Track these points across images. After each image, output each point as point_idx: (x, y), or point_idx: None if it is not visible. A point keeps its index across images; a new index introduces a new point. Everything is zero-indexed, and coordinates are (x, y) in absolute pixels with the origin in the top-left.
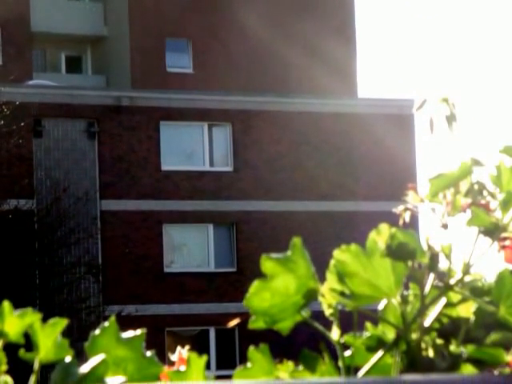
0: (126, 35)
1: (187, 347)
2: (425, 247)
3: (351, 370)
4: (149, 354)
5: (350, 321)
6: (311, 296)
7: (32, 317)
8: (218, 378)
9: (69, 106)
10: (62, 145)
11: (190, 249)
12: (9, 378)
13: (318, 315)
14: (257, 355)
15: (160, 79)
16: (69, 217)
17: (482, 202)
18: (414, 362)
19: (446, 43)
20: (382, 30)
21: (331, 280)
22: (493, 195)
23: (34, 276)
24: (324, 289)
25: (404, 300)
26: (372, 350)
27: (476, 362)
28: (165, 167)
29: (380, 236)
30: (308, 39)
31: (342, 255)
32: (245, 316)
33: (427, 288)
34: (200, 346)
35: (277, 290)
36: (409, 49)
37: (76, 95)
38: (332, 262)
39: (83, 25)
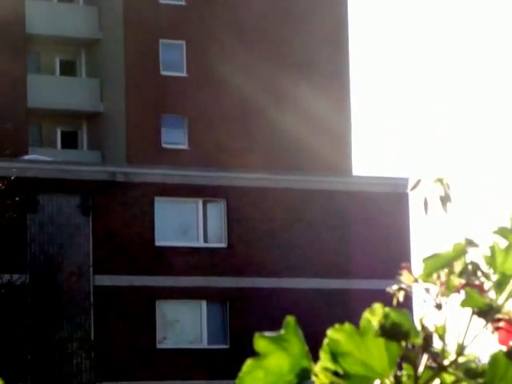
0: (122, 111)
1: None
2: (419, 328)
3: None
4: None
5: None
6: (304, 375)
7: None
8: None
9: (64, 181)
10: (57, 220)
11: (182, 325)
12: None
13: None
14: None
15: (155, 155)
16: (62, 292)
17: (476, 282)
18: None
19: (443, 120)
20: (378, 108)
21: (324, 359)
22: (487, 276)
23: (25, 351)
24: (317, 368)
25: (397, 381)
26: None
27: None
28: (159, 243)
29: (374, 316)
30: (305, 111)
31: (335, 334)
32: None
33: (421, 369)
34: None
35: (270, 369)
36: (405, 125)
37: (71, 170)
38: (326, 341)
39: (80, 101)
